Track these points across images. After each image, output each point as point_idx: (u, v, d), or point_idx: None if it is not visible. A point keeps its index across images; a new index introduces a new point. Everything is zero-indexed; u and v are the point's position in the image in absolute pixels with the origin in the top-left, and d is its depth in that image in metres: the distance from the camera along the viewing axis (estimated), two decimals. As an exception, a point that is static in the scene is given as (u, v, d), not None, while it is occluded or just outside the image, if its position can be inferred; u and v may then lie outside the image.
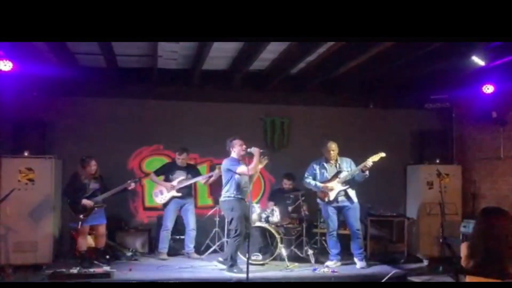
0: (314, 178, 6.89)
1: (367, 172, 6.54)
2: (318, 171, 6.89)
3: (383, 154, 6.47)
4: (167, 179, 7.33)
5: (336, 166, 6.79)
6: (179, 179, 7.28)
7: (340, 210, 6.80)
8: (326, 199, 6.78)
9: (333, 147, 6.78)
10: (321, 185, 6.78)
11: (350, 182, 6.71)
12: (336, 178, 6.71)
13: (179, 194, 7.24)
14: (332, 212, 6.81)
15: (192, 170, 7.48)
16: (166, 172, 7.39)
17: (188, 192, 7.39)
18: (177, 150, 7.45)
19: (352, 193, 6.75)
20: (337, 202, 6.75)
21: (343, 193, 6.71)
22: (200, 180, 7.50)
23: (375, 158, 6.47)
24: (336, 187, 6.70)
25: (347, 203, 6.73)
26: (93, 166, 6.74)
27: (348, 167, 6.72)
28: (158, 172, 7.43)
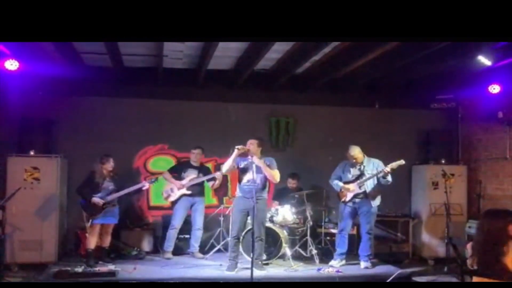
0: (340, 179, 6.93)
1: (388, 178, 6.54)
2: (342, 173, 6.95)
3: (403, 162, 6.48)
4: (179, 177, 7.35)
5: (359, 169, 6.79)
6: (190, 177, 7.29)
7: (356, 212, 6.81)
8: (343, 199, 6.86)
9: (355, 153, 6.76)
10: (341, 185, 6.85)
11: (376, 186, 6.70)
12: (357, 180, 6.73)
13: (189, 192, 7.25)
14: (347, 212, 6.84)
15: (204, 170, 7.50)
16: (179, 170, 7.43)
17: (199, 190, 7.39)
18: (196, 148, 7.46)
19: (374, 198, 6.73)
20: (354, 203, 6.78)
21: (361, 195, 6.71)
22: (209, 181, 7.47)
23: (394, 165, 6.48)
24: (354, 189, 6.72)
25: (363, 206, 6.73)
26: (111, 163, 6.82)
27: (374, 169, 6.69)
28: (171, 170, 7.47)
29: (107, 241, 6.91)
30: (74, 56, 6.99)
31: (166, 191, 7.39)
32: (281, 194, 7.85)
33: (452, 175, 7.65)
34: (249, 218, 6.45)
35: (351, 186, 6.76)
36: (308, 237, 7.13)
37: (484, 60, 6.05)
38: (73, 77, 7.19)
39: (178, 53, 6.93)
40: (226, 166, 6.35)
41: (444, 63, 6.77)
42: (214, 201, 8.20)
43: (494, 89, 7.09)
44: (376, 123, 8.59)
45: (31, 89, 7.39)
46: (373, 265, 6.81)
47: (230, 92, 8.20)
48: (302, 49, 6.56)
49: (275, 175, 6.39)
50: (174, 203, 7.33)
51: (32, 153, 7.09)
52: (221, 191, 8.16)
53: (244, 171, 6.39)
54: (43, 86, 7.42)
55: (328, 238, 7.51)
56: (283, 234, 6.91)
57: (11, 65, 6.26)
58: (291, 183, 7.83)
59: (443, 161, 8.03)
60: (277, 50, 6.68)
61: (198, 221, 7.32)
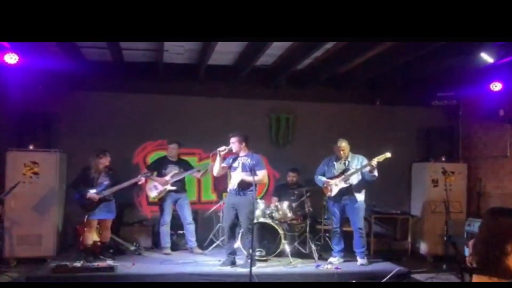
0: (324, 175, 6.90)
1: (375, 172, 6.50)
2: (327, 168, 6.91)
3: (388, 155, 6.41)
4: (160, 174, 7.31)
5: (345, 163, 6.77)
6: (172, 173, 7.28)
7: (344, 208, 6.79)
8: (328, 194, 6.81)
9: (343, 146, 6.72)
10: (324, 180, 6.80)
11: (361, 181, 6.68)
12: (342, 175, 6.70)
13: (174, 188, 7.23)
14: (336, 209, 6.80)
15: (183, 164, 7.48)
16: (158, 167, 7.37)
17: (181, 186, 7.39)
18: (170, 143, 7.43)
19: (359, 193, 6.70)
20: (341, 199, 6.74)
21: (347, 190, 6.68)
22: (194, 173, 7.47)
23: (380, 158, 6.42)
24: (339, 184, 6.68)
25: (350, 202, 6.70)
26: (108, 157, 6.77)
27: (358, 164, 6.67)
28: (150, 168, 7.40)
29: (107, 236, 6.89)
30: (74, 51, 6.97)
31: (150, 188, 7.35)
32: (280, 191, 7.85)
33: (452, 172, 7.64)
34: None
35: (336, 181, 6.69)
36: (307, 234, 7.11)
37: (487, 57, 6.02)
38: (73, 71, 7.18)
39: (179, 48, 6.91)
40: (215, 170, 6.39)
41: (446, 60, 6.75)
42: (213, 196, 8.19)
43: (496, 86, 7.05)
44: (376, 120, 8.58)
45: (31, 84, 7.36)
46: (369, 262, 6.77)
47: (231, 88, 8.18)
48: (303, 45, 6.54)
49: (262, 178, 6.33)
50: (160, 200, 7.32)
51: (31, 147, 7.07)
52: (221, 186, 8.14)
53: (233, 169, 6.41)
54: (43, 80, 7.39)
55: (327, 234, 7.50)
56: (282, 230, 6.90)
57: (11, 58, 6.24)
58: (291, 176, 7.82)
59: (443, 159, 8.02)
60: (278, 46, 6.66)
61: (187, 216, 7.31)
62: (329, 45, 6.53)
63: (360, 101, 8.62)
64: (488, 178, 7.87)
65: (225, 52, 7.06)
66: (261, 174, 6.27)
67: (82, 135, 7.64)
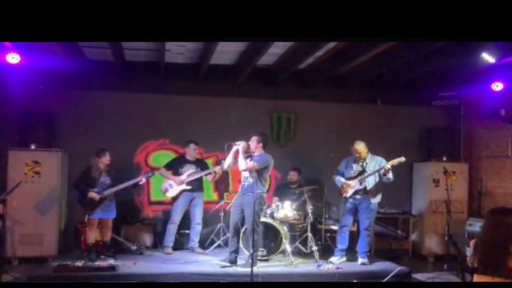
0: (342, 175, 6.92)
1: (389, 175, 6.51)
2: (345, 169, 6.93)
3: (403, 159, 6.45)
4: (177, 173, 7.32)
5: (362, 165, 6.77)
6: (189, 172, 7.28)
7: (357, 207, 6.80)
8: (344, 195, 6.85)
9: (359, 148, 6.70)
10: (343, 181, 6.83)
11: (378, 183, 6.68)
12: (358, 177, 6.72)
13: (189, 187, 7.23)
14: (348, 208, 6.83)
15: (201, 164, 7.49)
16: (175, 166, 7.38)
17: (198, 185, 7.38)
18: (190, 142, 7.42)
19: (374, 194, 6.70)
20: (354, 199, 6.76)
21: (361, 192, 6.70)
22: (207, 175, 7.45)
23: (395, 162, 6.44)
24: (354, 185, 6.71)
25: (363, 202, 6.71)
26: (108, 156, 6.75)
27: (376, 166, 6.65)
28: (168, 166, 7.42)
29: (108, 235, 6.90)
30: (76, 50, 6.98)
31: (165, 186, 7.36)
32: (281, 190, 7.85)
33: (454, 172, 7.65)
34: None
35: (352, 182, 6.74)
36: (309, 233, 7.11)
37: (488, 57, 6.01)
38: (74, 71, 7.19)
39: (180, 47, 6.92)
40: (226, 162, 6.41)
41: (447, 60, 6.74)
42: (215, 196, 8.19)
43: (497, 86, 7.05)
44: (378, 120, 8.58)
45: (33, 83, 7.38)
46: (370, 262, 6.78)
47: (232, 87, 8.18)
48: (304, 45, 6.54)
49: (248, 165, 6.17)
50: (174, 198, 7.33)
51: (33, 147, 7.09)
52: (222, 186, 8.15)
53: None
54: (44, 79, 7.41)
55: (328, 234, 7.51)
56: (284, 230, 6.90)
57: (13, 58, 6.27)
58: (291, 174, 7.83)
59: (444, 159, 8.02)
60: (280, 45, 6.66)
61: (197, 216, 7.31)
62: (330, 44, 6.52)
63: (361, 100, 8.62)
64: (490, 178, 7.86)
65: (227, 51, 7.06)
66: (251, 164, 6.13)
67: (83, 134, 7.65)
